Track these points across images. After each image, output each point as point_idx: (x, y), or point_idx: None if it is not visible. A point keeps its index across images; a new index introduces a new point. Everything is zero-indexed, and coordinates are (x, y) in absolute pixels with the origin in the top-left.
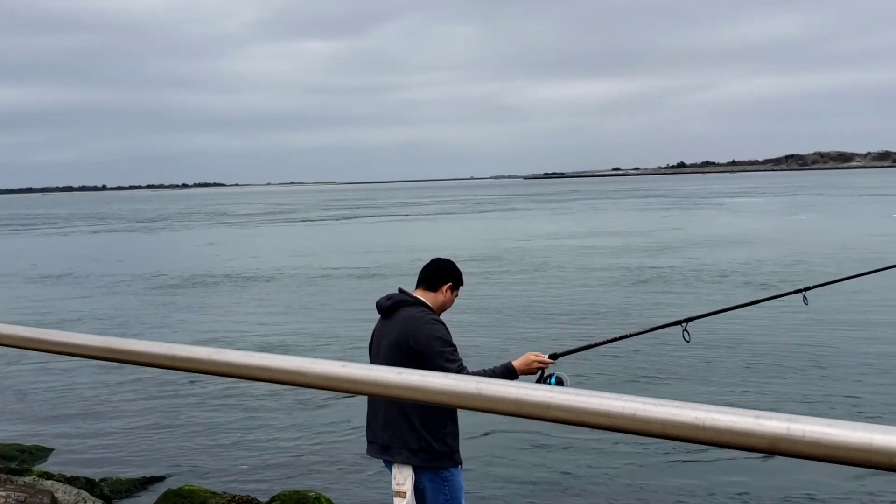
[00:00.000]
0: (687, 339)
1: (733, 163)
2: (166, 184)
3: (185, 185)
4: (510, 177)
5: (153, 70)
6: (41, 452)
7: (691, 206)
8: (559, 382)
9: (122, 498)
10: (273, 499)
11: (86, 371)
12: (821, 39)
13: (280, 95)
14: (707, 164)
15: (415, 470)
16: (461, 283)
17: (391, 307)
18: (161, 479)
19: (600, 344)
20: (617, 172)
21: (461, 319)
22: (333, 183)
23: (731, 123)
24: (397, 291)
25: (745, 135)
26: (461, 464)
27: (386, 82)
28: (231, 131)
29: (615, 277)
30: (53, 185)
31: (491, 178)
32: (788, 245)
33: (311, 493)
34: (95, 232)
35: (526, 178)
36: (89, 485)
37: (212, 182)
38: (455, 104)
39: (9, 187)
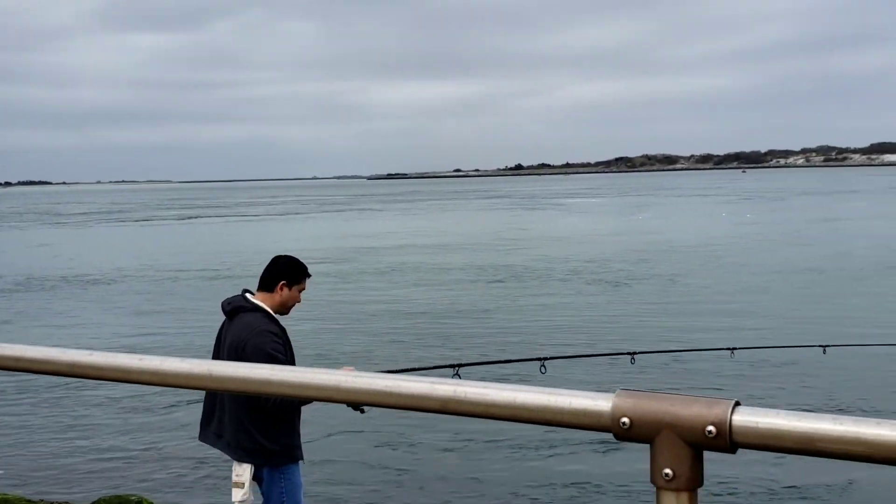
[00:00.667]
0: (543, 371)
1: (567, 165)
2: None
3: (7, 184)
4: (353, 177)
5: None
6: None
7: (535, 207)
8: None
9: None
10: None
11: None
12: (649, 48)
13: (111, 90)
14: (543, 165)
15: (255, 465)
16: (299, 279)
17: (231, 312)
18: None
19: (427, 369)
20: (458, 174)
21: (307, 320)
22: (168, 182)
23: (565, 127)
24: (240, 294)
25: (579, 138)
26: (301, 460)
27: (224, 78)
28: (58, 127)
29: (471, 277)
30: None
31: (334, 178)
32: (633, 244)
33: (134, 498)
34: None
35: (369, 178)
36: None
37: (37, 180)
38: (296, 103)
39: None
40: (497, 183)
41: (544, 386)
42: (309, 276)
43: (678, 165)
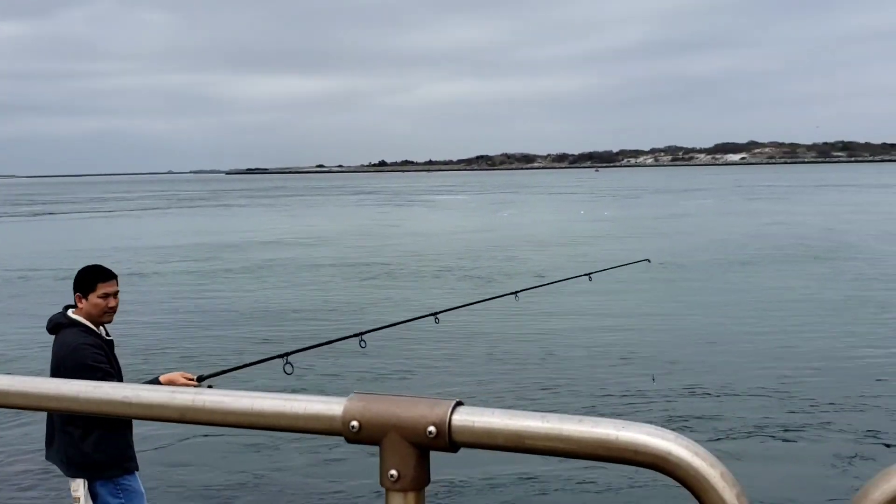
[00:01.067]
0: (363, 346)
1: (430, 162)
2: None
3: None
4: (211, 171)
5: None
6: None
7: (403, 203)
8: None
9: None
10: None
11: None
12: (508, 48)
13: None
14: (406, 162)
15: (87, 479)
16: (91, 286)
17: (52, 330)
18: None
19: (254, 363)
20: (321, 169)
21: (157, 321)
22: (13, 176)
23: (427, 125)
24: (61, 310)
25: (441, 136)
26: (136, 470)
27: (73, 69)
28: None
29: (343, 275)
30: None
31: (191, 172)
32: (500, 239)
33: None
34: None
35: (228, 173)
36: None
37: None
38: (151, 95)
39: None
40: (361, 179)
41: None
42: (107, 279)
43: (535, 164)
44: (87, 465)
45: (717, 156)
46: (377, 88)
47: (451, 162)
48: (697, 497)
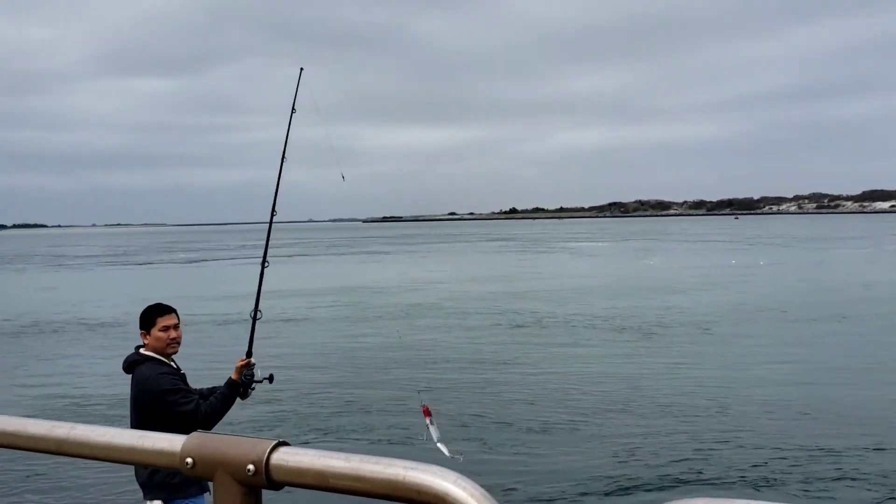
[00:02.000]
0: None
1: (561, 209)
2: None
3: (3, 227)
4: (349, 220)
5: None
6: None
7: (544, 250)
8: (269, 380)
9: None
10: None
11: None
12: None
13: (108, 134)
14: (537, 209)
15: (164, 501)
16: (151, 322)
17: (127, 369)
18: None
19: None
20: (453, 217)
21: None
22: (164, 224)
23: (558, 172)
24: (134, 350)
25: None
26: (207, 491)
27: (221, 123)
28: (54, 171)
29: (491, 322)
30: None
31: (329, 220)
32: (650, 288)
33: None
34: None
35: (365, 221)
36: None
37: (32, 223)
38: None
39: None
40: (493, 226)
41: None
42: (164, 313)
43: (671, 211)
44: (164, 485)
45: (865, 203)
46: (508, 136)
47: (582, 209)
48: None
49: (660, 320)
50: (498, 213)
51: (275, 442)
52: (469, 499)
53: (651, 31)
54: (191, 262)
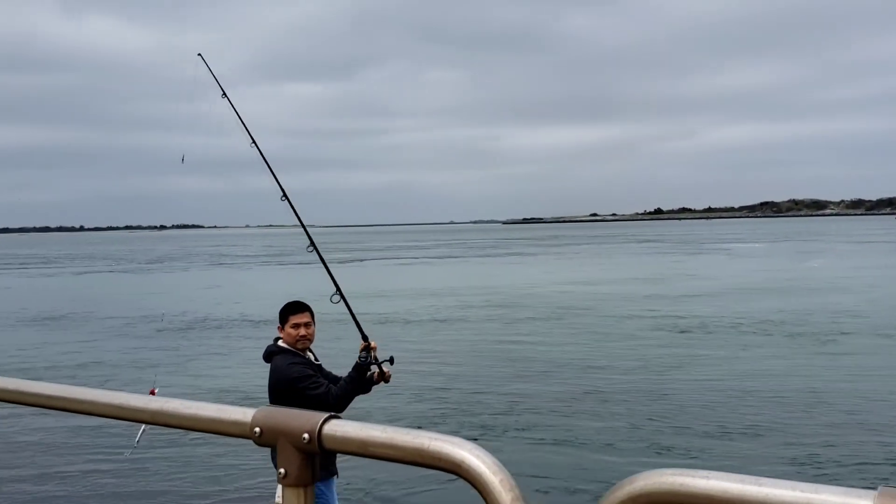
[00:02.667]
0: None
1: (709, 209)
2: (144, 225)
3: (162, 227)
4: (490, 221)
5: (134, 111)
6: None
7: (696, 252)
8: (390, 362)
9: None
10: None
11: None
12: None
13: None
14: (684, 210)
15: None
16: (285, 318)
17: (266, 358)
18: None
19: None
20: (595, 218)
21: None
22: (312, 226)
23: (706, 170)
24: (272, 342)
25: (720, 182)
26: (335, 475)
27: (370, 126)
28: (211, 173)
29: (650, 327)
30: (30, 224)
31: (470, 222)
32: (815, 291)
33: None
34: (100, 272)
35: (505, 222)
36: None
37: (190, 224)
38: (436, 149)
39: None
40: (637, 227)
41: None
42: (297, 311)
43: (827, 211)
44: None
45: None
46: (653, 135)
47: (731, 209)
48: (484, 498)
49: (835, 325)
50: (642, 214)
51: (326, 415)
52: (481, 465)
53: (805, 23)
54: (342, 262)
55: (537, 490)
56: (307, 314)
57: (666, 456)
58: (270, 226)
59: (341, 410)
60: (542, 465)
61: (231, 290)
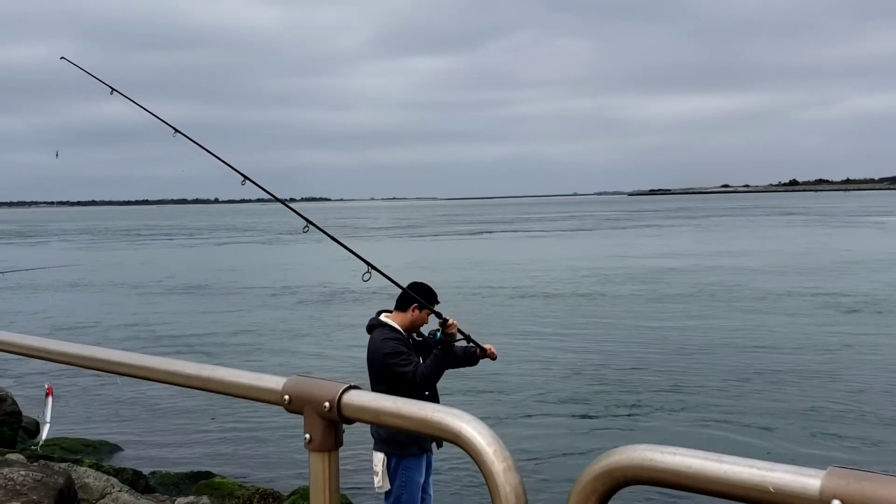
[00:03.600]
0: None
1: (847, 181)
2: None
3: (292, 199)
4: (614, 193)
5: (266, 87)
6: (105, 447)
7: (846, 225)
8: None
9: (166, 489)
10: (293, 493)
11: (145, 383)
12: None
13: (386, 112)
14: (820, 181)
15: (386, 455)
16: (430, 304)
17: (368, 329)
18: (201, 474)
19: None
20: (726, 189)
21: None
22: (434, 199)
23: (845, 141)
24: (375, 314)
25: (861, 153)
26: (427, 452)
27: (492, 98)
28: (337, 147)
29: (815, 305)
30: (168, 197)
31: (594, 193)
32: None
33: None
34: (242, 242)
35: (630, 194)
36: (135, 476)
37: (318, 196)
38: (560, 119)
39: (127, 199)
40: (770, 199)
41: None
42: (435, 302)
43: None
44: (388, 440)
45: None
46: (790, 103)
47: (871, 181)
48: (479, 467)
49: None
50: (776, 185)
51: (346, 385)
52: (477, 436)
53: None
54: (473, 234)
55: None
56: None
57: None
58: (394, 198)
59: (429, 387)
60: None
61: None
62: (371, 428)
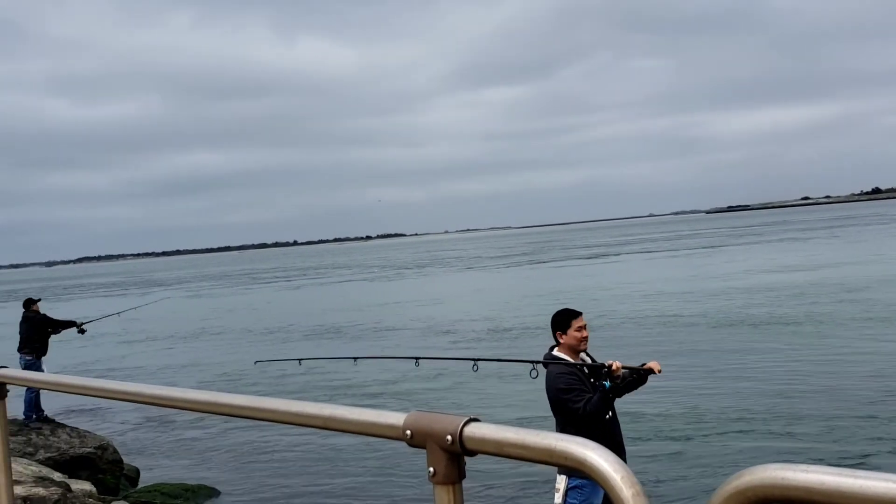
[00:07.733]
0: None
1: None
2: (351, 236)
3: (368, 237)
4: (692, 212)
5: (341, 129)
6: (204, 491)
7: None
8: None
9: None
10: None
11: (258, 428)
12: None
13: (460, 145)
14: None
15: (567, 476)
16: (566, 324)
17: (544, 364)
18: None
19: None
20: (807, 202)
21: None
22: (508, 227)
23: None
24: (548, 349)
25: None
26: None
27: (566, 123)
28: (411, 183)
29: None
30: (249, 242)
31: (671, 214)
32: None
33: None
34: (354, 281)
35: (708, 212)
36: None
37: (393, 232)
38: (634, 141)
39: (209, 247)
40: (857, 209)
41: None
42: (576, 315)
43: None
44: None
45: None
46: (873, 109)
47: None
48: (608, 493)
49: None
50: (858, 195)
51: (467, 418)
52: (603, 463)
53: None
54: (593, 257)
55: None
56: (582, 317)
57: None
58: (468, 230)
59: (596, 422)
60: None
61: (489, 293)
62: None
